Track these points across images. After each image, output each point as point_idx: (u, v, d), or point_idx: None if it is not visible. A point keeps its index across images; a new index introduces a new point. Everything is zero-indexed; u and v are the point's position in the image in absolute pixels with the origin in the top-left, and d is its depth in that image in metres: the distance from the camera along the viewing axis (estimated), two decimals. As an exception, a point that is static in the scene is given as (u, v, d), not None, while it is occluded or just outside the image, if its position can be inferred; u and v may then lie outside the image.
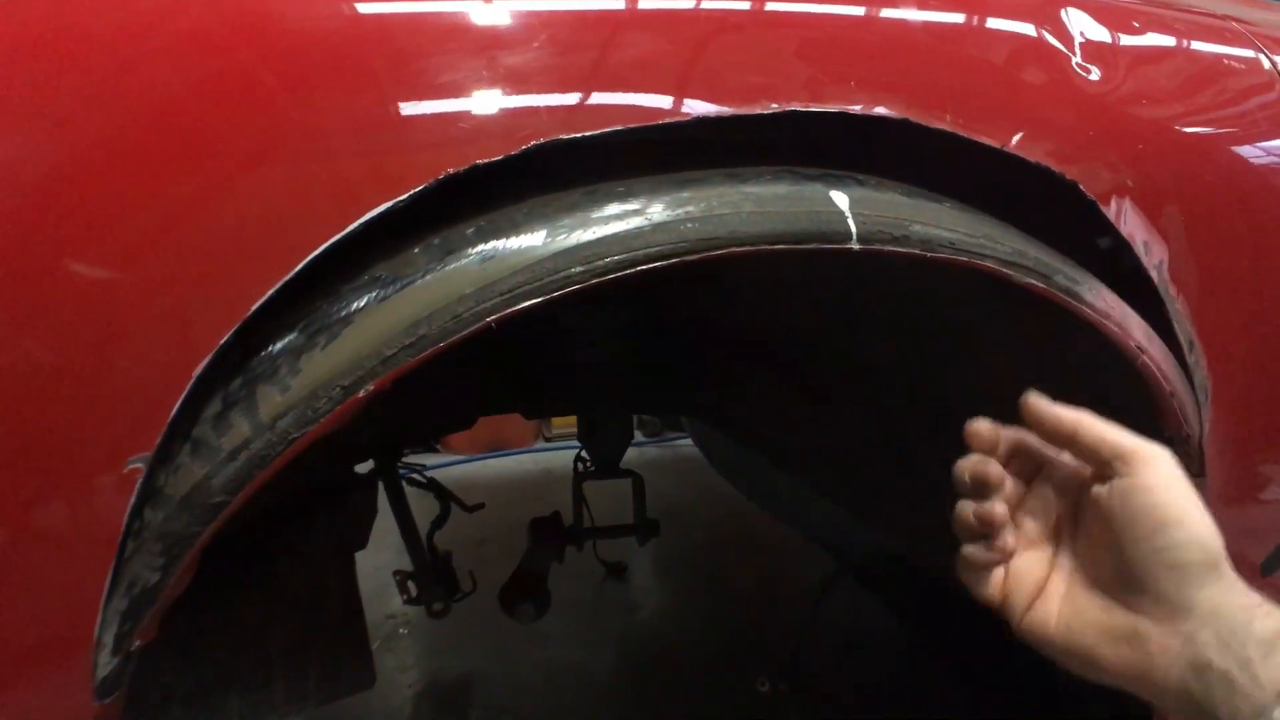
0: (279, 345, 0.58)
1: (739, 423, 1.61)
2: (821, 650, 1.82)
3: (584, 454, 1.93)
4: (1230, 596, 0.54)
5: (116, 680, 0.60)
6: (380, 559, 1.95)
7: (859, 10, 0.72)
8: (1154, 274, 0.78)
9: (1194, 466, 0.85)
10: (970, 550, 0.64)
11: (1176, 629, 0.53)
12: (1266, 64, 0.91)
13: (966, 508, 0.64)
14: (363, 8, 0.60)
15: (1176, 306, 0.80)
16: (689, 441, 2.98)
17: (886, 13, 0.72)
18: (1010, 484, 0.65)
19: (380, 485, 1.44)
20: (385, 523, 1.57)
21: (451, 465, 3.09)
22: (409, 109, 0.58)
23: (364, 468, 1.52)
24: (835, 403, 1.32)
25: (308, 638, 1.01)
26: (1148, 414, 0.83)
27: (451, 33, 0.61)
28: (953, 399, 1.16)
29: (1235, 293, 0.84)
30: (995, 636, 1.27)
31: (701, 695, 1.87)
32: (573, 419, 1.79)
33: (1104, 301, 0.75)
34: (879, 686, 1.80)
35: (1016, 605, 0.62)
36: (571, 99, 0.62)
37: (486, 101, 0.60)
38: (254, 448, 0.57)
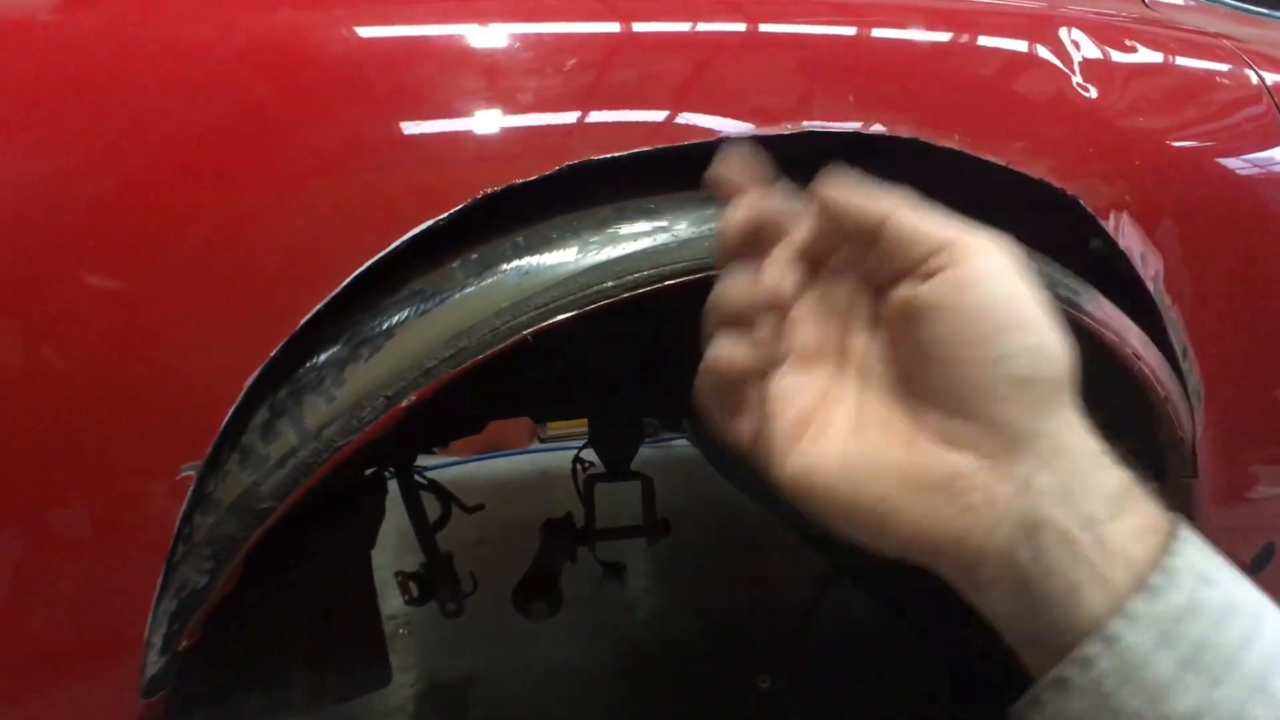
0: (324, 357, 0.61)
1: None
2: (821, 647, 1.85)
3: (583, 455, 1.96)
4: (1075, 437, 0.40)
5: (163, 679, 0.63)
6: (380, 559, 1.97)
7: (875, 33, 0.75)
8: (1150, 285, 0.82)
9: (1187, 468, 0.88)
10: (722, 351, 0.44)
11: (1009, 470, 0.38)
12: (1255, 79, 0.95)
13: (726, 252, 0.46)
14: (401, 31, 0.63)
15: (1171, 315, 0.83)
16: (684, 442, 3.01)
17: (897, 34, 0.75)
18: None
19: (388, 488, 1.46)
20: (384, 524, 1.59)
21: (448, 466, 3.11)
22: (449, 128, 0.61)
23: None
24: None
25: (327, 637, 1.03)
26: (1142, 418, 0.86)
27: (489, 56, 0.63)
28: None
29: (1227, 301, 0.88)
30: (991, 634, 1.30)
31: (701, 693, 1.90)
32: (569, 421, 1.81)
33: (1103, 311, 0.78)
34: (878, 684, 1.83)
35: (779, 443, 0.43)
36: (601, 119, 0.64)
37: (521, 122, 0.62)
38: (300, 456, 0.59)
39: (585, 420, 1.83)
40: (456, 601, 1.45)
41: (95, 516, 0.58)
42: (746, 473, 1.95)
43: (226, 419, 0.58)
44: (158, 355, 0.56)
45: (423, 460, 1.78)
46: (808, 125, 0.68)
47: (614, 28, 0.68)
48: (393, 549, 2.20)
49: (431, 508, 1.80)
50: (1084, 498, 0.38)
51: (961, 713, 1.58)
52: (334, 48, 0.61)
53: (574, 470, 1.98)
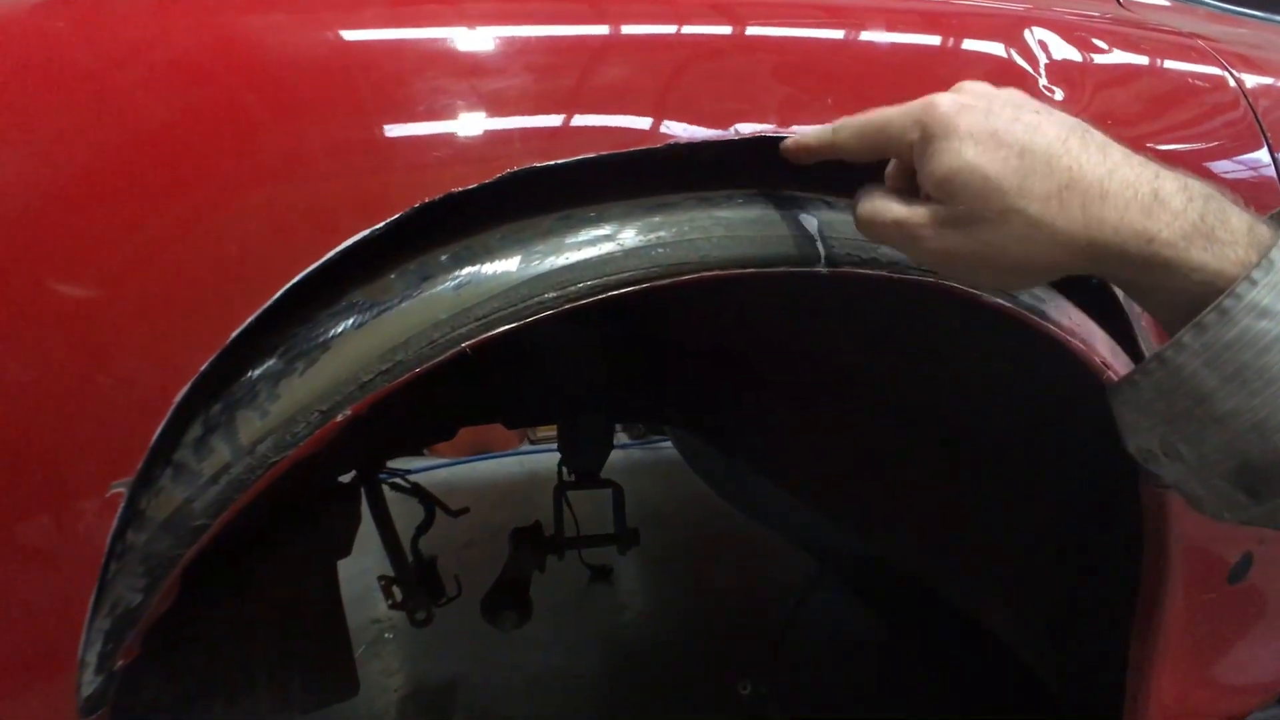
0: (258, 371, 0.59)
1: (718, 431, 1.63)
2: (802, 651, 1.84)
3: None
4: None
5: (100, 699, 0.61)
6: (364, 564, 1.96)
7: (833, 34, 0.73)
8: (1118, 291, 0.80)
9: (1158, 478, 0.87)
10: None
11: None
12: (1232, 82, 0.93)
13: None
14: (341, 34, 0.61)
15: (1141, 323, 0.82)
16: (668, 444, 3.00)
17: (858, 35, 0.74)
18: None
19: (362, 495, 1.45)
20: (370, 528, 1.58)
21: (436, 469, 3.10)
22: (387, 134, 0.60)
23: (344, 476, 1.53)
24: (813, 411, 1.34)
25: (289, 647, 1.02)
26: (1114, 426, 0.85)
27: (429, 59, 0.62)
28: (929, 407, 1.18)
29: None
30: (974, 636, 1.29)
31: (685, 697, 1.88)
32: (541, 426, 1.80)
33: (1069, 319, 0.77)
34: (860, 687, 1.82)
35: None
36: (545, 124, 0.63)
37: (462, 127, 0.61)
38: (234, 472, 0.58)
39: (570, 424, 1.82)
40: (426, 610, 1.43)
41: (25, 533, 0.56)
42: (727, 478, 1.93)
43: (158, 434, 0.56)
44: (85, 368, 0.55)
45: (409, 463, 1.77)
46: (760, 130, 0.67)
47: (556, 31, 0.66)
48: (376, 553, 2.19)
49: (416, 512, 1.79)
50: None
51: (948, 714, 1.57)
52: (268, 54, 0.59)
53: (559, 474, 1.97)
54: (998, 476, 1.13)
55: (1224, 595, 1.02)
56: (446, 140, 0.61)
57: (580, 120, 0.64)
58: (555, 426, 1.86)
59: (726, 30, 0.70)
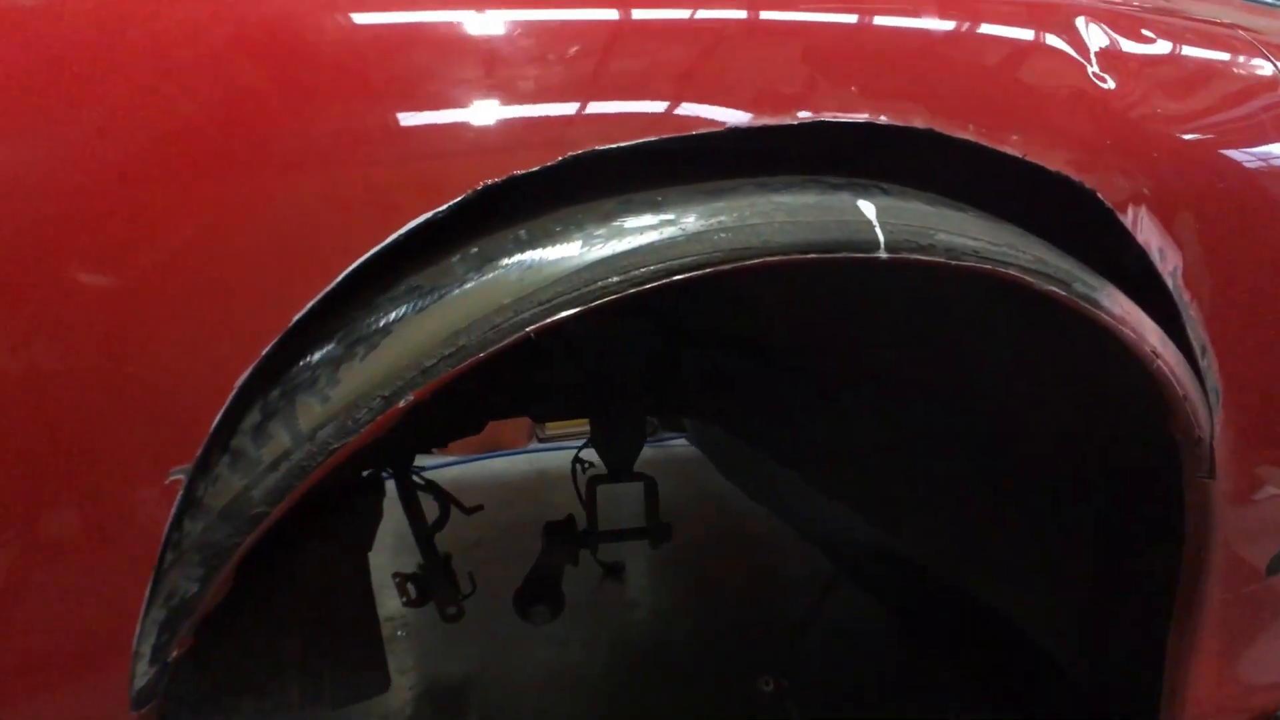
0: (317, 356, 0.59)
1: (746, 424, 1.62)
2: (823, 648, 1.83)
3: (582, 455, 1.93)
4: None
5: (153, 690, 0.60)
6: (377, 560, 1.94)
7: (889, 21, 0.72)
8: (1169, 280, 0.79)
9: (1204, 468, 0.86)
10: None
11: None
12: (1272, 71, 0.93)
13: None
14: (396, 18, 0.60)
15: (1190, 312, 0.81)
16: (683, 441, 2.99)
17: (913, 24, 0.73)
18: None
19: (386, 489, 1.44)
20: (382, 525, 1.57)
21: (446, 466, 3.08)
22: (447, 117, 0.59)
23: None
24: (842, 403, 1.33)
25: (321, 641, 1.01)
26: (1159, 417, 0.84)
27: (489, 44, 0.61)
28: (960, 400, 1.17)
29: (1247, 297, 0.85)
30: (993, 633, 1.28)
31: (700, 694, 1.87)
32: (568, 421, 1.79)
33: (1121, 308, 0.76)
34: (880, 684, 1.81)
35: None
36: (605, 109, 0.62)
37: (523, 111, 0.60)
38: (294, 458, 0.57)
39: (585, 420, 1.81)
40: (456, 605, 1.42)
41: (82, 522, 0.55)
42: (749, 473, 1.93)
43: (217, 421, 0.55)
44: (145, 355, 0.54)
45: (420, 460, 1.76)
46: (820, 116, 0.66)
47: (615, 15, 0.65)
48: (390, 550, 2.18)
49: (429, 509, 1.77)
50: None
51: (966, 713, 1.57)
52: (327, 35, 0.58)
53: (573, 471, 1.95)
54: (1031, 470, 1.12)
55: (1262, 587, 1.02)
56: (507, 123, 0.60)
57: (637, 106, 0.63)
58: (566, 423, 1.85)
59: (784, 16, 0.69)
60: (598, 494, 1.77)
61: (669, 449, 3.13)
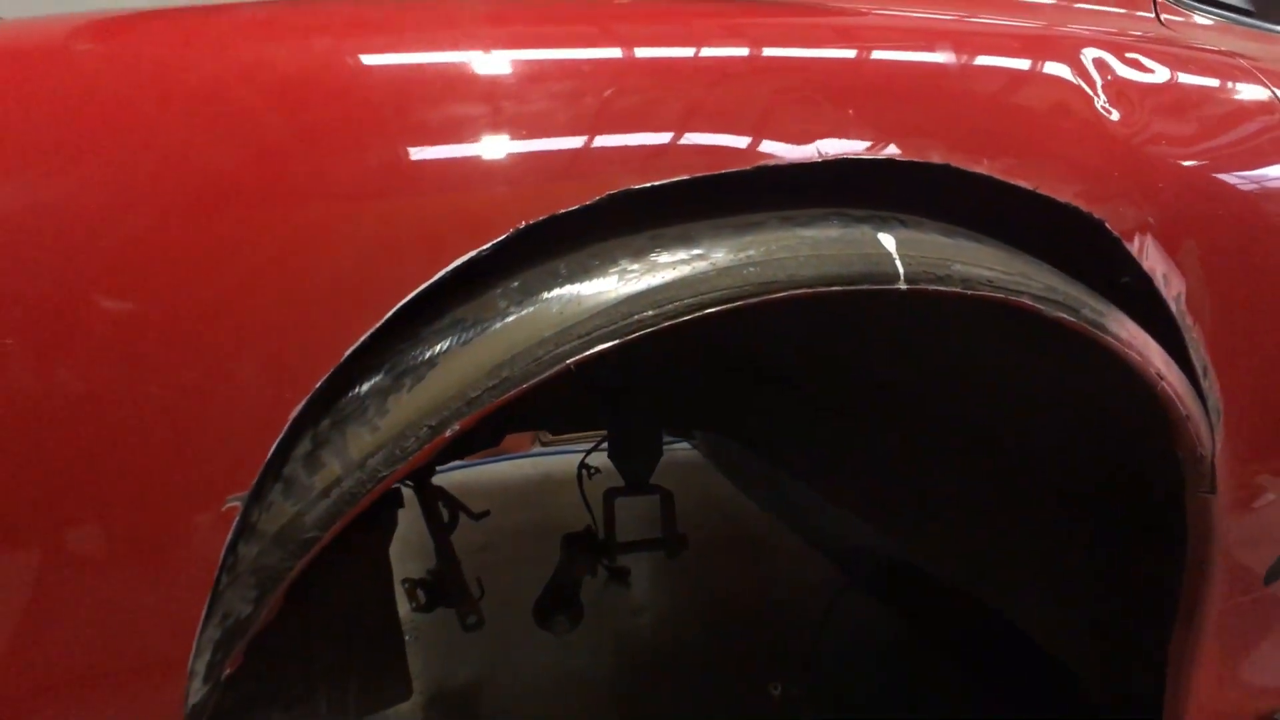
0: (366, 386, 0.61)
1: (758, 438, 1.65)
2: (833, 653, 1.86)
3: (589, 461, 1.96)
4: None
5: (205, 707, 0.63)
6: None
7: (900, 56, 0.75)
8: (1172, 305, 0.82)
9: (1206, 484, 0.89)
10: None
11: None
12: (1269, 96, 0.96)
13: None
14: (440, 58, 0.63)
15: (1193, 335, 0.84)
16: (686, 445, 3.01)
17: (925, 58, 0.76)
18: None
19: (402, 499, 1.47)
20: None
21: (449, 470, 3.10)
22: (489, 154, 0.61)
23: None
24: (850, 415, 1.36)
25: (349, 652, 1.03)
26: (1162, 435, 0.87)
27: (523, 85, 0.64)
28: (968, 414, 1.20)
29: (1248, 318, 0.89)
30: (1002, 640, 1.31)
31: (707, 698, 1.90)
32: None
33: (1127, 332, 0.79)
34: (890, 689, 1.84)
35: None
36: (638, 146, 0.65)
37: (560, 150, 0.63)
38: (345, 485, 0.59)
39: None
40: (477, 613, 1.45)
41: (143, 546, 0.58)
42: (759, 483, 1.95)
43: (271, 451, 0.58)
44: (205, 389, 0.56)
45: (427, 466, 1.78)
46: (844, 153, 0.69)
47: (648, 54, 0.68)
48: (398, 557, 2.19)
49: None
50: None
51: (972, 715, 1.59)
52: (378, 75, 0.61)
53: (579, 477, 1.98)
54: (1037, 480, 1.15)
55: (1260, 596, 1.05)
56: (544, 163, 0.62)
57: (669, 142, 0.66)
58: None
59: (805, 54, 0.72)
60: (607, 501, 1.80)
61: (671, 452, 3.16)
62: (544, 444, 3.49)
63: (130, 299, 0.55)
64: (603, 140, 0.64)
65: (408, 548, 1.92)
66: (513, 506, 2.82)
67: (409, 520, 1.67)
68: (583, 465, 2.00)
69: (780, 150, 0.67)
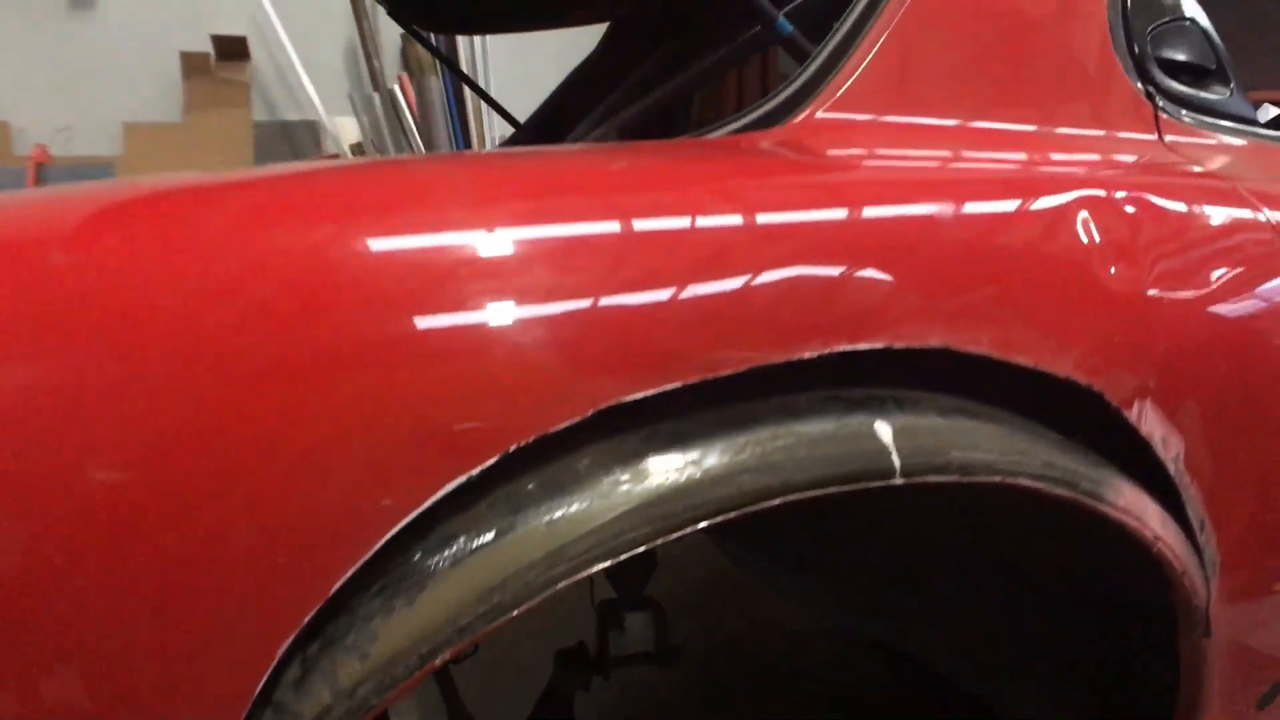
0: (355, 610, 0.60)
1: (750, 541, 1.66)
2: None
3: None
4: None
5: None
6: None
7: (898, 236, 0.74)
8: (1171, 466, 0.82)
9: (1200, 630, 0.89)
10: None
11: None
12: (1272, 236, 0.94)
13: None
14: (387, 244, 0.62)
15: (1191, 493, 0.84)
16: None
17: (923, 239, 0.75)
18: None
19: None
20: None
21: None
22: (471, 382, 0.60)
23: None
24: (844, 529, 1.37)
25: None
26: (1158, 584, 0.87)
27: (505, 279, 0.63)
28: (965, 530, 1.20)
29: (1244, 469, 0.88)
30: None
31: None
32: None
33: (1124, 499, 0.79)
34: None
35: None
36: (627, 356, 0.64)
37: (545, 368, 0.61)
38: (334, 714, 0.59)
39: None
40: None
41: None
42: (752, 567, 1.92)
43: (261, 684, 0.57)
44: (190, 626, 0.56)
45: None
46: (838, 347, 0.68)
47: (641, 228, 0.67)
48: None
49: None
50: None
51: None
52: (358, 293, 0.60)
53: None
54: (1037, 594, 1.15)
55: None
56: (531, 382, 0.61)
57: (658, 349, 0.65)
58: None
59: (796, 247, 0.71)
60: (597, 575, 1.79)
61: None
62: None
63: (124, 531, 0.54)
64: (593, 357, 0.63)
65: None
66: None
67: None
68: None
69: (775, 352, 0.66)
